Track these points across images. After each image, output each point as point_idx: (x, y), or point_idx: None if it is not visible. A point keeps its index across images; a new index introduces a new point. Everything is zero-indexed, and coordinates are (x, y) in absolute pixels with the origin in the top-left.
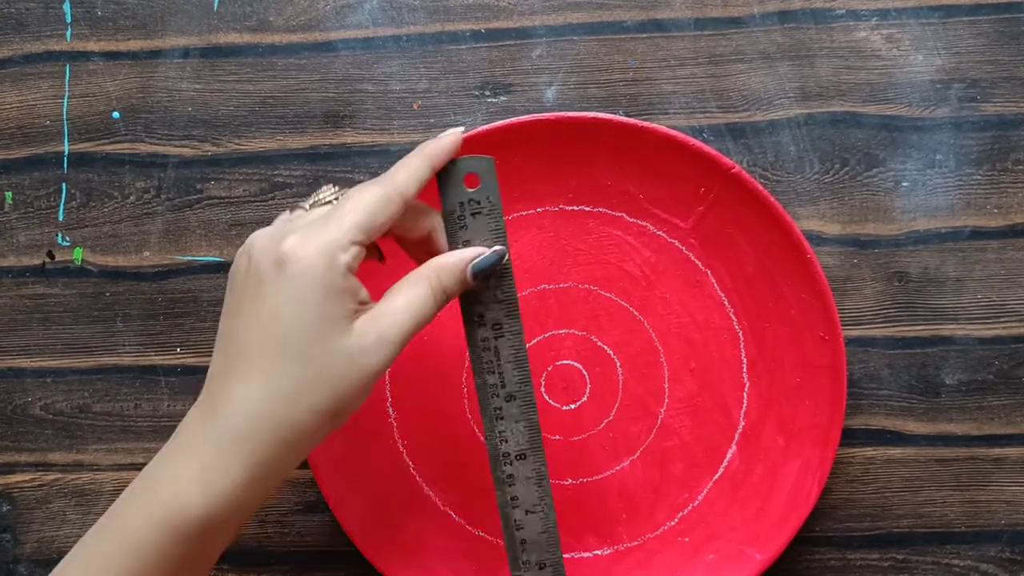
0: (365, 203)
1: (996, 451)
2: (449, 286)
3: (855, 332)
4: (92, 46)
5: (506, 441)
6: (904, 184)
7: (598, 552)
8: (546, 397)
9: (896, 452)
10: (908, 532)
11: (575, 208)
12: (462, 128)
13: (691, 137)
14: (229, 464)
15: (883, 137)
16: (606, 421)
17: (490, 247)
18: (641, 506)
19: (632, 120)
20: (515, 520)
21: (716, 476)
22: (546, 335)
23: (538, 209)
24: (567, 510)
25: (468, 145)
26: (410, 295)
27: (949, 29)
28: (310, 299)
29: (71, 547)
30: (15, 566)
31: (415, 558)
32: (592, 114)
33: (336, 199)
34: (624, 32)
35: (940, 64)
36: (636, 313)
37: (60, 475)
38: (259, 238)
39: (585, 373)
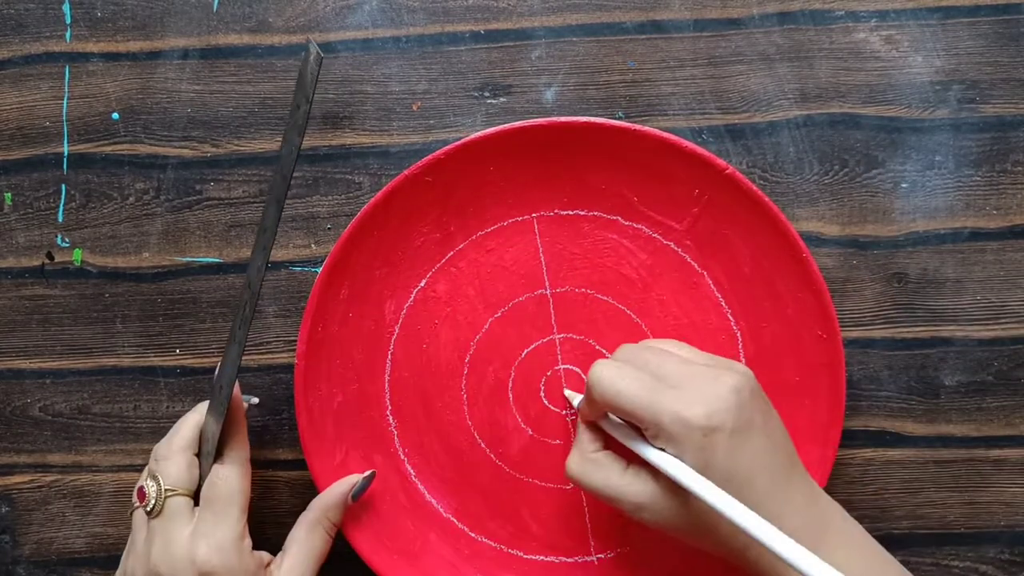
0: (238, 493)
1: (995, 452)
2: (338, 519)
3: (854, 333)
4: (92, 47)
5: None
6: (903, 185)
7: (600, 556)
8: (545, 402)
9: (895, 453)
10: (907, 533)
11: (570, 212)
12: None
13: (683, 139)
14: None
15: (882, 138)
16: None
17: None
18: None
19: (624, 123)
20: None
21: None
22: (544, 340)
23: (533, 214)
24: (570, 515)
25: (464, 151)
26: (310, 544)
27: (948, 30)
28: None
29: (70, 548)
30: (14, 567)
31: (419, 566)
32: (584, 118)
33: (166, 495)
34: (623, 33)
35: (939, 65)
36: (634, 316)
37: (59, 476)
38: (159, 560)
39: (585, 378)
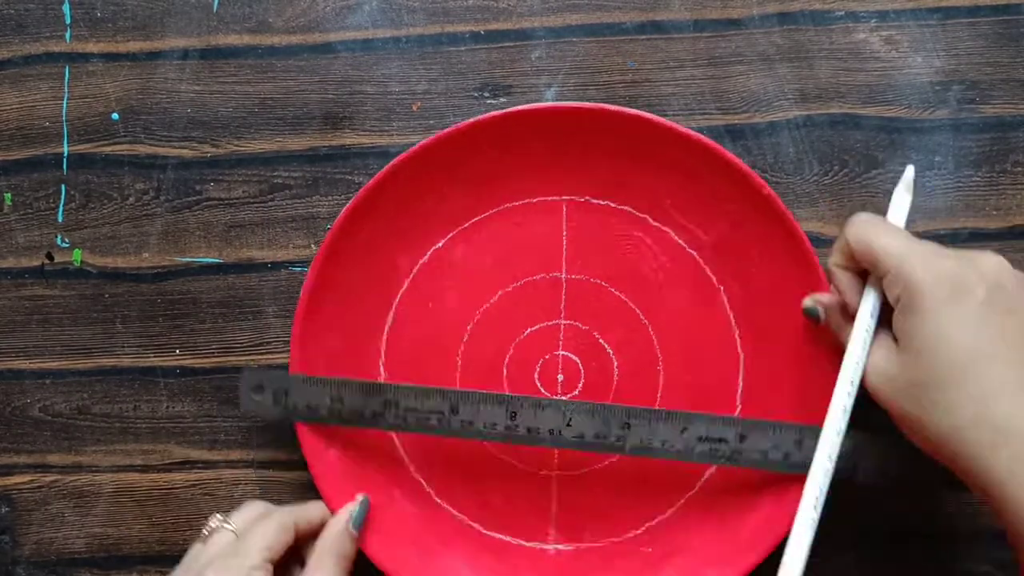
0: (269, 532)
1: None
2: (345, 550)
3: None
4: (91, 47)
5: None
6: None
7: (559, 547)
8: (538, 384)
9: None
10: (907, 533)
11: (601, 202)
12: (348, 517)
13: (728, 152)
14: None
15: (882, 139)
16: None
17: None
18: (611, 509)
19: (673, 124)
20: None
21: (692, 492)
22: (550, 323)
23: (564, 197)
24: (539, 498)
25: (528, 117)
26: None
27: (948, 31)
28: None
29: (70, 548)
30: (14, 568)
31: (379, 516)
32: (634, 111)
33: (222, 526)
34: (623, 33)
35: (939, 66)
36: (642, 316)
37: (59, 476)
38: None
39: (581, 368)
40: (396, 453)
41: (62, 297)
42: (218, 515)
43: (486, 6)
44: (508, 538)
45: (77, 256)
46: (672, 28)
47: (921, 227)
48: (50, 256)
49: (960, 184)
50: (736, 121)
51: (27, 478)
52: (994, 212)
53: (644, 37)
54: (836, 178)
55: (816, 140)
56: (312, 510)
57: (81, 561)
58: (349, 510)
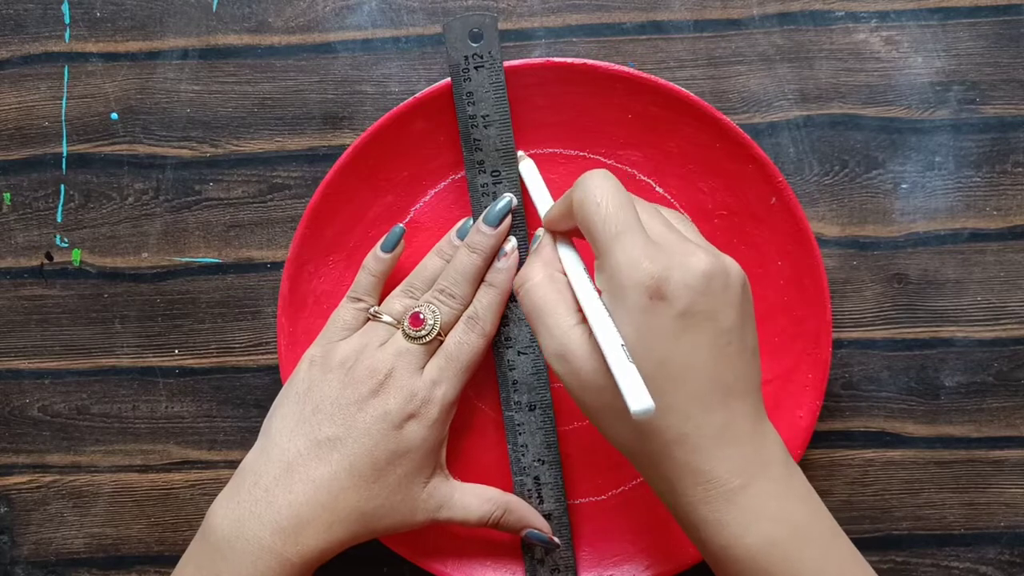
0: (466, 365)
1: (995, 453)
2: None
3: (854, 334)
4: (91, 47)
5: None
6: (903, 186)
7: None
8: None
9: (895, 454)
10: (907, 534)
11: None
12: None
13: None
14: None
15: (882, 139)
16: None
17: (491, 104)
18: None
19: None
20: (508, 360)
21: None
22: None
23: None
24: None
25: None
26: (481, 511)
27: (948, 31)
28: (414, 459)
29: (69, 548)
30: (12, 568)
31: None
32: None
33: (437, 335)
34: (623, 34)
35: (939, 66)
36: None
37: (58, 476)
38: (380, 364)
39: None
40: None
41: (61, 297)
42: (419, 308)
43: (486, 6)
44: None
45: (76, 256)
46: (672, 28)
47: (922, 228)
48: (49, 256)
49: (960, 184)
50: (736, 121)
51: (26, 478)
52: (994, 212)
53: (644, 37)
54: (836, 178)
55: (816, 140)
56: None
57: (80, 561)
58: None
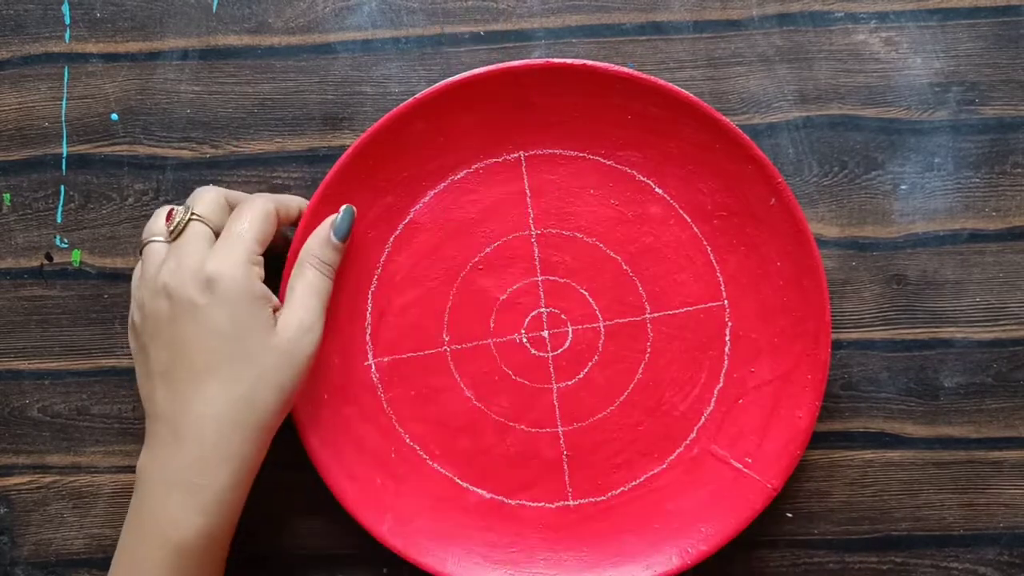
0: (257, 221)
1: (995, 454)
2: (326, 257)
3: (854, 335)
4: (91, 48)
5: None
6: (903, 187)
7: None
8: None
9: (895, 455)
10: (907, 535)
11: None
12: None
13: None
14: (214, 475)
15: (882, 140)
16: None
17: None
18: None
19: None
20: None
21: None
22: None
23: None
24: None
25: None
26: (305, 282)
27: (948, 32)
28: (242, 308)
29: (69, 549)
30: (12, 568)
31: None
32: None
33: (191, 217)
34: (623, 35)
35: (939, 67)
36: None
37: (58, 477)
38: (168, 276)
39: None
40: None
41: (61, 298)
42: (171, 206)
43: (486, 7)
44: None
45: (76, 257)
46: (672, 29)
47: (921, 228)
48: (49, 257)
49: (960, 185)
50: (736, 122)
51: (26, 479)
52: (993, 213)
53: (644, 38)
54: (836, 179)
55: (816, 141)
56: (291, 201)
57: (80, 562)
58: (332, 219)
